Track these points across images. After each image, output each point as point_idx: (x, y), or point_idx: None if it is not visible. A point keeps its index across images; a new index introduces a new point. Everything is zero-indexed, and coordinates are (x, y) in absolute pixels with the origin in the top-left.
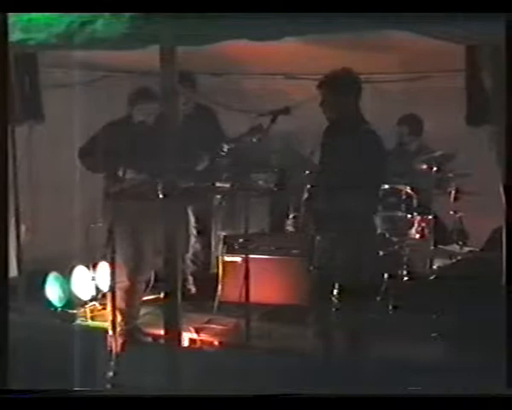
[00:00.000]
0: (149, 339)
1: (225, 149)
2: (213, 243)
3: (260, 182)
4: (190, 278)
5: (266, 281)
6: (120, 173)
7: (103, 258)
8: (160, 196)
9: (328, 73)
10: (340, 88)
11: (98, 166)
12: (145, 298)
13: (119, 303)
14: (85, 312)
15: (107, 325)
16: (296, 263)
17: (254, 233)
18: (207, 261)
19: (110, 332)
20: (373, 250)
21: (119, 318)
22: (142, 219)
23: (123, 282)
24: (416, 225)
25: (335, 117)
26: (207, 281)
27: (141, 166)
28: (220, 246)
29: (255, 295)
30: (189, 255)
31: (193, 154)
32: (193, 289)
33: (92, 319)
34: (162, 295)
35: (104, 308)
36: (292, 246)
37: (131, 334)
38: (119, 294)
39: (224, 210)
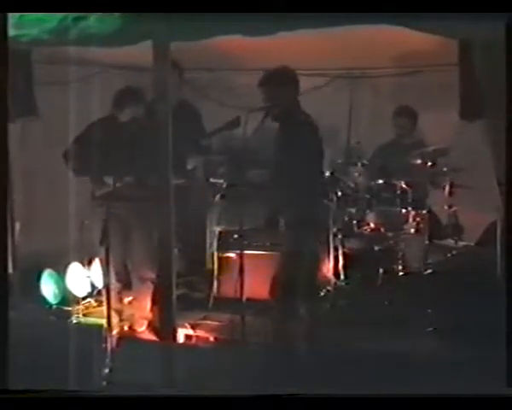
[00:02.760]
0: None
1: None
2: (208, 238)
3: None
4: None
5: (261, 277)
6: (107, 176)
7: (98, 255)
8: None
9: (266, 72)
10: (279, 85)
11: (84, 170)
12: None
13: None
14: (80, 309)
15: (103, 321)
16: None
17: (249, 229)
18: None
19: (105, 329)
20: (317, 240)
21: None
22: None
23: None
24: (410, 219)
25: (279, 113)
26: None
27: (128, 167)
28: (215, 242)
29: (250, 291)
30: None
31: (180, 153)
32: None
33: (87, 315)
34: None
35: (99, 305)
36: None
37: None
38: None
39: (218, 206)
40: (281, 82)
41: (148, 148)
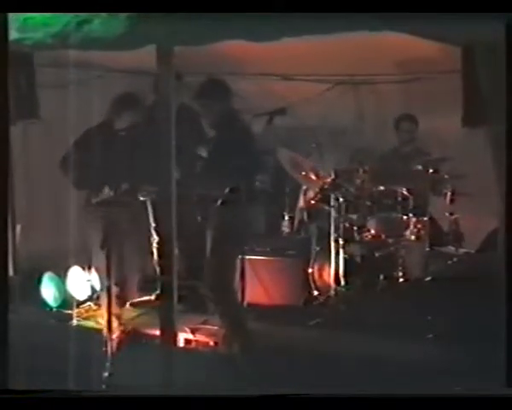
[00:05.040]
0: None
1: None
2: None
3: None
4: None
5: (262, 282)
6: (104, 183)
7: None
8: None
9: (200, 83)
10: (214, 95)
11: (82, 183)
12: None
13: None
14: (80, 312)
15: (103, 325)
16: (291, 264)
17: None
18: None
19: (105, 333)
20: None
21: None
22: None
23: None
24: (411, 226)
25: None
26: None
27: (126, 173)
28: None
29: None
30: None
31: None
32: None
33: (87, 319)
34: (153, 297)
35: (99, 308)
36: (287, 247)
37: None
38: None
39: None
40: (210, 95)
41: (147, 153)
